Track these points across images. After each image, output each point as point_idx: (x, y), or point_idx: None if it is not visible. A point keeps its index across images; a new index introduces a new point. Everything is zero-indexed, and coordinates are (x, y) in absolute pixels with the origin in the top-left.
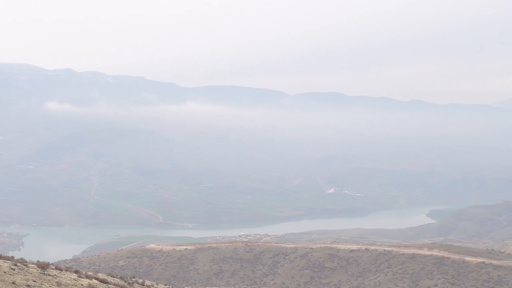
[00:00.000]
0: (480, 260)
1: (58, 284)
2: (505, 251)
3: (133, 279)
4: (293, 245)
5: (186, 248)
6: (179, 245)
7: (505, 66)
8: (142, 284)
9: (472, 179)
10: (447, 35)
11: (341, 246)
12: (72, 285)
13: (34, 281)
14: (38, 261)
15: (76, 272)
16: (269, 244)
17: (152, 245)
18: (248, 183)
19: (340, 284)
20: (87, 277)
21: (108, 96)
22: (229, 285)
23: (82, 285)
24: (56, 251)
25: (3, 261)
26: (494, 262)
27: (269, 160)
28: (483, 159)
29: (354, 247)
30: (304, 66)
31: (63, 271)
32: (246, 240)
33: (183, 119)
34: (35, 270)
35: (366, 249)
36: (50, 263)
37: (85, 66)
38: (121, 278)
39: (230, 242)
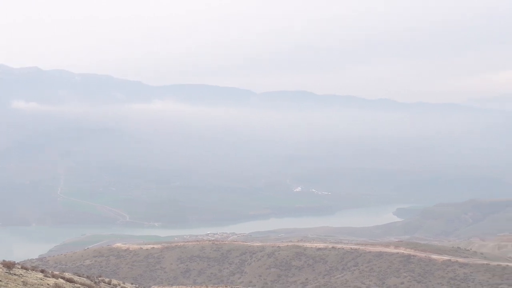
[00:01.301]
0: (446, 258)
1: (24, 283)
2: (471, 249)
3: (99, 278)
4: (260, 244)
5: (153, 247)
6: (146, 244)
7: (473, 65)
8: (109, 283)
9: (439, 177)
10: (415, 35)
11: (308, 245)
12: (38, 284)
13: (0, 281)
14: (3, 260)
15: (42, 271)
16: (236, 242)
17: (119, 244)
18: (216, 181)
19: (307, 282)
20: (53, 276)
21: (75, 95)
22: (196, 284)
23: (48, 284)
24: (22, 250)
25: None
26: (460, 260)
27: (237, 158)
28: (451, 158)
29: (321, 245)
30: (271, 65)
31: (29, 270)
32: (213, 239)
33: (151, 118)
34: (0, 270)
35: (333, 247)
36: (16, 262)
37: (52, 65)
38: (88, 277)
39: (197, 241)
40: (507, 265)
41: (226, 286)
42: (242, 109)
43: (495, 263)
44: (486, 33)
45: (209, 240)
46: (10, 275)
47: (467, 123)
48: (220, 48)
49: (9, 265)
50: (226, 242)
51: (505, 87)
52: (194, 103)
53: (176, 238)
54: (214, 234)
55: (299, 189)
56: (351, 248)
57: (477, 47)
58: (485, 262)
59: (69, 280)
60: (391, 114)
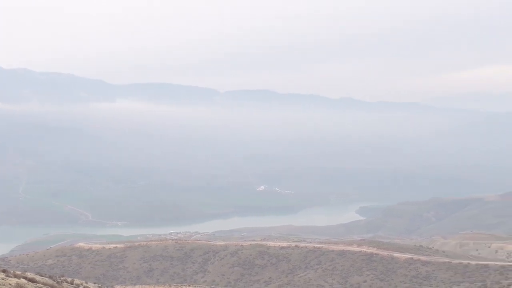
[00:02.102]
0: (408, 256)
1: None
2: (433, 247)
3: (62, 278)
4: (223, 243)
5: (116, 247)
6: (108, 244)
7: (435, 65)
8: (71, 283)
9: (402, 176)
10: (377, 35)
11: (271, 243)
12: None
13: None
14: None
15: (3, 271)
16: (199, 241)
17: (82, 244)
18: (180, 180)
19: (270, 281)
20: (15, 276)
21: (38, 93)
22: (159, 283)
23: (10, 284)
24: None
25: None
26: (422, 258)
27: (201, 157)
28: (413, 156)
29: (284, 244)
30: (234, 64)
31: None
32: (176, 238)
33: (114, 117)
34: None
35: (296, 246)
36: None
37: (14, 64)
38: (50, 277)
39: (160, 240)
40: (469, 263)
41: (189, 285)
42: (205, 108)
43: (457, 261)
44: (448, 33)
45: (172, 240)
46: None
47: (429, 122)
48: (184, 47)
49: None
50: (189, 241)
51: (467, 87)
52: (157, 102)
53: (139, 238)
54: (177, 233)
55: (262, 188)
56: (314, 246)
57: (439, 47)
58: (447, 260)
59: (31, 280)
60: (354, 113)
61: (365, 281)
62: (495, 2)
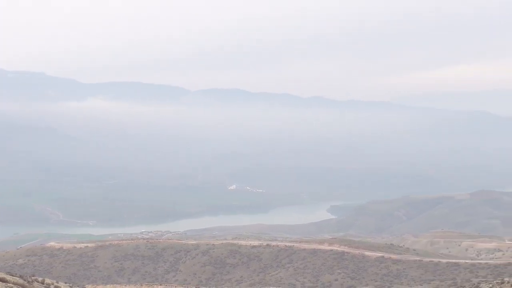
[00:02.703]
0: (379, 254)
1: None
2: (404, 245)
3: (32, 278)
4: (194, 242)
5: (87, 246)
6: (80, 243)
7: (404, 63)
8: (42, 283)
9: (372, 175)
10: (348, 34)
11: (243, 242)
12: None
13: None
14: None
15: None
16: (170, 241)
17: (52, 243)
18: (151, 179)
19: (241, 280)
20: None
21: (8, 92)
22: (131, 282)
23: None
24: None
25: None
26: (393, 256)
27: (171, 156)
28: (383, 155)
29: (256, 243)
30: (204, 62)
31: None
32: (147, 237)
33: (85, 116)
34: None
35: (267, 245)
36: None
37: None
38: (21, 276)
39: (132, 239)
40: (440, 261)
41: (160, 285)
42: (176, 107)
43: (428, 259)
44: (417, 32)
45: (144, 239)
46: None
47: (399, 121)
48: (154, 46)
49: None
50: (161, 240)
51: (436, 85)
52: (128, 101)
53: (110, 237)
54: (148, 232)
55: (233, 187)
56: (285, 245)
57: (407, 46)
58: (418, 258)
59: (2, 280)
60: (324, 112)
61: (336, 280)
62: (460, 2)
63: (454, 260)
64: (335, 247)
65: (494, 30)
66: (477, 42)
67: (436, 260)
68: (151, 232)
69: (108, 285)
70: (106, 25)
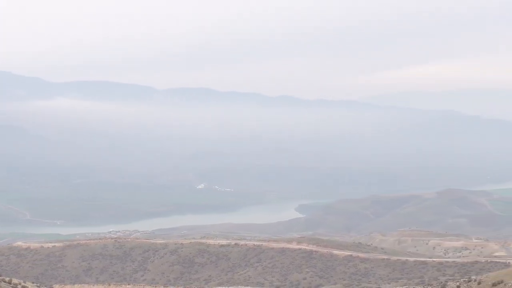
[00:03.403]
0: (347, 253)
1: None
2: (372, 244)
3: None
4: (163, 241)
5: (55, 246)
6: (47, 243)
7: (373, 63)
8: (9, 283)
9: (341, 173)
10: (316, 33)
11: (211, 241)
12: None
13: None
14: None
15: None
16: (139, 240)
17: (19, 243)
18: (119, 178)
19: (210, 279)
20: None
21: None
22: (99, 282)
23: None
24: None
25: None
26: (361, 255)
27: (140, 156)
28: (352, 154)
29: (224, 242)
30: (173, 62)
31: None
32: (115, 236)
33: (52, 115)
34: None
35: (236, 244)
36: None
37: None
38: None
39: (100, 239)
40: (407, 260)
41: (128, 284)
42: (144, 106)
43: (395, 258)
44: (386, 33)
45: (112, 238)
46: None
47: (367, 120)
48: (121, 44)
49: None
50: (129, 239)
51: (405, 85)
52: (96, 100)
53: (78, 236)
54: (116, 231)
55: (202, 186)
56: (254, 244)
57: (376, 46)
58: (386, 257)
59: None
60: (293, 111)
61: (304, 279)
62: (434, 1)
63: (421, 259)
64: (304, 246)
65: (462, 30)
66: (445, 42)
67: (403, 258)
68: (119, 231)
69: (76, 285)
70: (72, 24)
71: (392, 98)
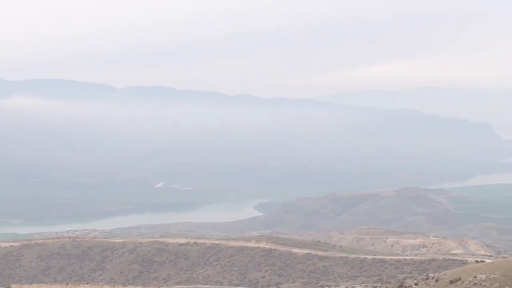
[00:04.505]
0: (306, 251)
1: None
2: (330, 242)
3: None
4: (121, 240)
5: (12, 245)
6: (4, 242)
7: (330, 62)
8: None
9: (299, 172)
10: (274, 32)
11: (170, 240)
12: None
13: None
14: None
15: None
16: (97, 239)
17: None
18: (77, 178)
19: (168, 278)
20: None
21: None
22: (56, 281)
23: None
24: None
25: None
26: (320, 253)
27: (98, 154)
28: (310, 153)
29: (183, 241)
30: (131, 60)
31: None
32: (73, 235)
33: (9, 114)
34: None
35: (195, 242)
36: None
37: None
38: None
39: (57, 238)
40: (365, 258)
41: (87, 283)
42: (102, 104)
43: (354, 256)
44: (345, 32)
45: (70, 237)
46: None
47: (325, 119)
48: (80, 42)
49: None
50: (87, 238)
51: (361, 84)
52: (53, 99)
53: (35, 236)
54: (74, 231)
55: (160, 184)
56: (213, 243)
57: (335, 45)
58: (344, 255)
59: None
60: (251, 110)
61: (263, 277)
62: (386, 3)
63: (379, 257)
64: (262, 245)
65: (420, 30)
66: (404, 41)
67: (362, 256)
68: (77, 230)
69: (33, 284)
70: (28, 20)
71: (349, 96)
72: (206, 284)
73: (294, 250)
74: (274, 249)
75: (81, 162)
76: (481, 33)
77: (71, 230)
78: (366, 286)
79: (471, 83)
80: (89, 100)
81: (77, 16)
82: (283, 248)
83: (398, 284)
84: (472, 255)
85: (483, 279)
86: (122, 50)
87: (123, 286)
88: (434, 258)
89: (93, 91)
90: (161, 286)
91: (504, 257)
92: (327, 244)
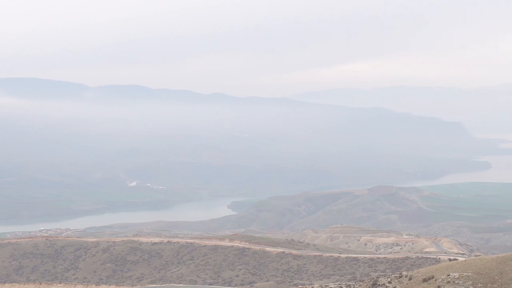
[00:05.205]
0: (280, 250)
1: None
2: (304, 241)
3: None
4: (95, 239)
5: None
6: None
7: (304, 60)
8: None
9: (273, 170)
10: (248, 31)
11: (144, 239)
12: None
13: None
14: None
15: None
16: (70, 238)
17: None
18: (50, 176)
19: (142, 277)
20: None
21: None
22: (30, 281)
23: None
24: None
25: None
26: (294, 252)
27: (71, 153)
28: (283, 152)
29: (157, 240)
30: (104, 58)
31: None
32: (46, 235)
33: None
34: None
35: (168, 241)
36: None
37: None
38: None
39: (30, 237)
40: (339, 256)
41: (60, 283)
42: (76, 103)
43: (328, 254)
44: (319, 31)
45: (43, 236)
46: None
47: (299, 118)
48: (53, 40)
49: None
50: (60, 238)
51: (336, 83)
52: (25, 97)
53: (8, 235)
54: (48, 230)
55: (134, 183)
56: (186, 242)
57: (309, 44)
58: (318, 253)
59: None
60: (226, 109)
61: (237, 276)
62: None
63: (353, 255)
64: (236, 243)
65: (394, 29)
66: (377, 40)
67: (335, 255)
68: (50, 230)
69: (6, 284)
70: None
71: (323, 95)
72: (180, 283)
73: (268, 248)
74: (248, 248)
75: (54, 161)
76: (455, 33)
77: (44, 229)
78: (340, 284)
79: (444, 82)
80: (62, 99)
81: (49, 14)
82: (257, 247)
83: (371, 282)
84: (445, 253)
85: (456, 277)
86: (95, 49)
87: (96, 285)
88: (407, 256)
89: (66, 90)
90: (135, 285)
91: (476, 255)
92: (301, 242)
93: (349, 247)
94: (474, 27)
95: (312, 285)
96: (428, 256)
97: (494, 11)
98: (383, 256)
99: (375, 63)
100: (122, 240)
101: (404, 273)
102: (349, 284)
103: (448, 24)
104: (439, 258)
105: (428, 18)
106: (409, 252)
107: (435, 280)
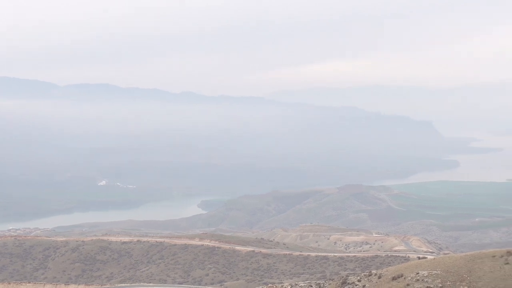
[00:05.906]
0: (250, 249)
1: None
2: (274, 239)
3: None
4: (64, 238)
5: None
6: None
7: (276, 59)
8: None
9: (245, 169)
10: (219, 30)
11: (113, 239)
12: None
13: None
14: None
15: None
16: (39, 238)
17: None
18: (19, 175)
19: (112, 276)
20: None
21: None
22: None
23: None
24: None
25: None
26: (264, 250)
27: (40, 152)
28: (254, 150)
29: (126, 239)
30: (73, 56)
31: None
32: (15, 234)
33: None
34: None
35: (138, 240)
36: None
37: None
38: None
39: None
40: (309, 255)
41: (29, 283)
42: (44, 102)
43: (297, 253)
44: (290, 29)
45: (11, 236)
46: None
47: (270, 117)
48: (19, 37)
49: None
50: (29, 237)
51: (307, 82)
52: None
53: None
54: (16, 229)
55: (103, 182)
56: (156, 241)
57: (280, 43)
58: (288, 252)
59: None
60: (195, 107)
61: (207, 275)
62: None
63: (323, 254)
64: (206, 242)
65: (365, 29)
66: (348, 40)
67: (305, 253)
68: (19, 229)
69: None
70: None
71: (294, 94)
72: (150, 283)
73: (238, 247)
74: (217, 247)
75: (23, 160)
76: (425, 33)
77: (13, 228)
78: (310, 283)
79: (414, 82)
80: (30, 98)
81: (15, 12)
82: (226, 246)
83: (341, 281)
84: (414, 251)
85: (425, 275)
86: (64, 47)
87: (65, 285)
88: (376, 255)
89: (35, 89)
90: (104, 285)
91: (445, 254)
92: (271, 241)
93: (319, 245)
94: (445, 28)
95: (282, 284)
96: (397, 254)
97: (464, 12)
98: (353, 254)
99: (346, 63)
100: (92, 240)
101: (374, 271)
102: (319, 283)
103: (419, 24)
104: (408, 257)
105: (398, 18)
106: (379, 250)
107: (404, 279)
